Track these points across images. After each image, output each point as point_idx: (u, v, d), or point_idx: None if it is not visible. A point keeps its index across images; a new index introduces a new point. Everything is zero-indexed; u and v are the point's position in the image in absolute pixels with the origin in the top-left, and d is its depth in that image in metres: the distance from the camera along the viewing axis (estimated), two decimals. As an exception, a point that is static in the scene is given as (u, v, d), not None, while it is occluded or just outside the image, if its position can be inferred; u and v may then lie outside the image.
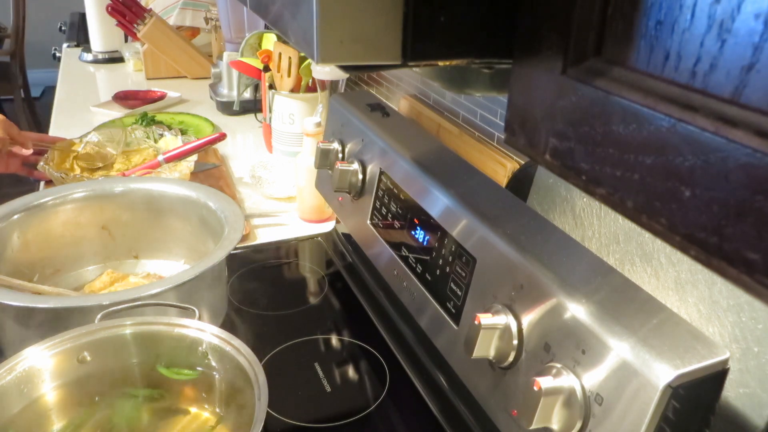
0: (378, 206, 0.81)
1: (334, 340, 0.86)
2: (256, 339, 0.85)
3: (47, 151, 1.15)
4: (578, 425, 0.47)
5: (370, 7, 0.36)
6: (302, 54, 1.13)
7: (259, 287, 0.98)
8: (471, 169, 0.74)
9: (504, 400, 0.55)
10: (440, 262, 0.67)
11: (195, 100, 1.80)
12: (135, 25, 1.91)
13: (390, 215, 0.78)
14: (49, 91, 3.86)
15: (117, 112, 1.64)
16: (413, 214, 0.73)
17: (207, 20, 1.95)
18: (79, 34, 2.51)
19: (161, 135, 1.30)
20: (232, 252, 0.79)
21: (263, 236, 1.12)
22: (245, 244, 1.08)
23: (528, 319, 0.53)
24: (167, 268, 0.95)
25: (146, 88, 1.84)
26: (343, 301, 0.95)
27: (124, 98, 1.71)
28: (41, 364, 0.61)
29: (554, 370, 0.48)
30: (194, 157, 1.17)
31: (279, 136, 1.35)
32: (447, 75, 0.59)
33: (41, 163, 1.09)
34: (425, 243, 0.70)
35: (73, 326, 0.63)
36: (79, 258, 0.93)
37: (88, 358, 0.63)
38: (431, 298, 0.68)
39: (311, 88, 1.31)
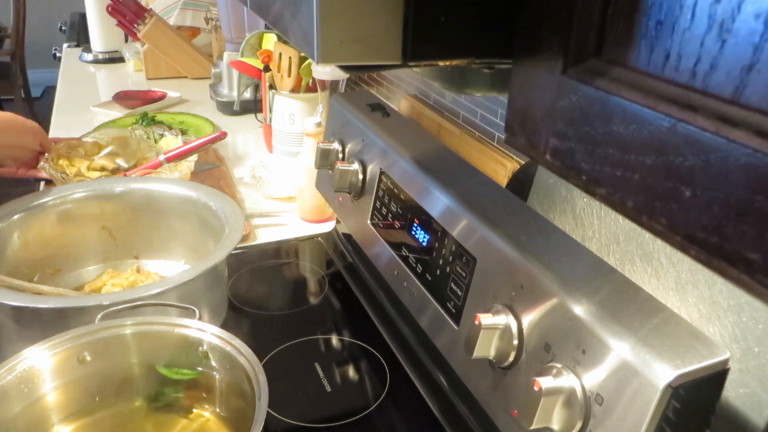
0: (378, 206, 0.81)
1: (335, 340, 0.86)
2: (256, 339, 0.85)
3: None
4: (578, 425, 0.47)
5: (370, 7, 0.36)
6: (302, 54, 1.13)
7: (259, 287, 0.98)
8: (471, 169, 0.74)
9: (504, 400, 0.55)
10: (440, 262, 0.67)
11: (195, 100, 1.80)
12: (135, 25, 1.91)
13: (390, 215, 0.78)
14: (50, 91, 3.86)
15: (117, 112, 1.64)
16: (413, 214, 0.73)
17: (207, 20, 1.95)
18: (79, 34, 2.51)
19: (162, 135, 1.30)
20: (233, 252, 0.79)
21: (263, 236, 1.12)
22: (245, 244, 1.08)
23: (528, 319, 0.53)
24: (167, 268, 0.95)
25: (146, 88, 1.84)
26: (344, 301, 0.95)
27: (124, 98, 1.71)
28: (41, 364, 0.61)
29: (554, 370, 0.48)
30: (194, 157, 1.17)
31: (279, 136, 1.35)
32: (447, 75, 0.59)
33: (41, 163, 1.09)
34: (425, 243, 0.70)
35: (73, 326, 0.63)
36: (79, 258, 0.93)
37: (88, 358, 0.63)
38: (431, 298, 0.68)
39: (311, 88, 1.31)
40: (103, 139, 1.21)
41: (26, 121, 1.04)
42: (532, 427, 0.47)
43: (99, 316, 0.64)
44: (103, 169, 1.14)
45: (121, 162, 1.17)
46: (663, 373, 0.42)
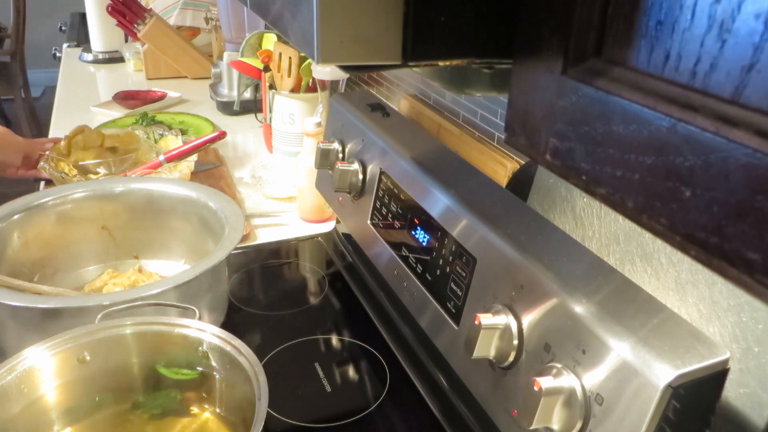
0: (378, 206, 0.81)
1: (335, 340, 0.86)
2: (256, 339, 0.85)
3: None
4: (578, 425, 0.47)
5: (370, 7, 0.36)
6: (302, 54, 1.13)
7: (259, 287, 0.98)
8: (471, 169, 0.74)
9: (504, 400, 0.55)
10: (440, 262, 0.67)
11: (195, 100, 1.80)
12: (135, 25, 1.91)
13: (390, 215, 0.78)
14: (50, 91, 3.86)
15: (117, 112, 1.64)
16: (413, 214, 0.73)
17: (207, 20, 1.95)
18: (79, 34, 2.51)
19: (161, 135, 1.30)
20: (233, 252, 0.79)
21: (263, 236, 1.12)
22: (245, 244, 1.08)
23: (528, 319, 0.53)
24: (167, 268, 0.95)
25: (146, 88, 1.84)
26: (344, 301, 0.95)
27: (124, 98, 1.71)
28: (41, 364, 0.61)
29: (554, 370, 0.48)
30: (194, 157, 1.17)
31: (279, 136, 1.35)
32: (447, 75, 0.59)
33: (41, 163, 1.09)
34: (425, 243, 0.70)
35: (73, 326, 0.63)
36: (79, 258, 0.93)
37: (88, 358, 0.63)
38: (431, 298, 0.68)
39: (311, 88, 1.31)
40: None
41: (14, 140, 1.07)
42: (532, 427, 0.47)
43: (99, 316, 0.64)
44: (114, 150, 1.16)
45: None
46: (663, 373, 0.42)
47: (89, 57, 2.19)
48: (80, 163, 1.13)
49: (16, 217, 0.85)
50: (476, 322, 0.54)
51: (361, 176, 0.85)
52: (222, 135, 1.21)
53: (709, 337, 0.45)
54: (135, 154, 1.19)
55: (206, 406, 0.65)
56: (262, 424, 0.51)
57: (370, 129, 0.86)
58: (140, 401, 0.65)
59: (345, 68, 0.51)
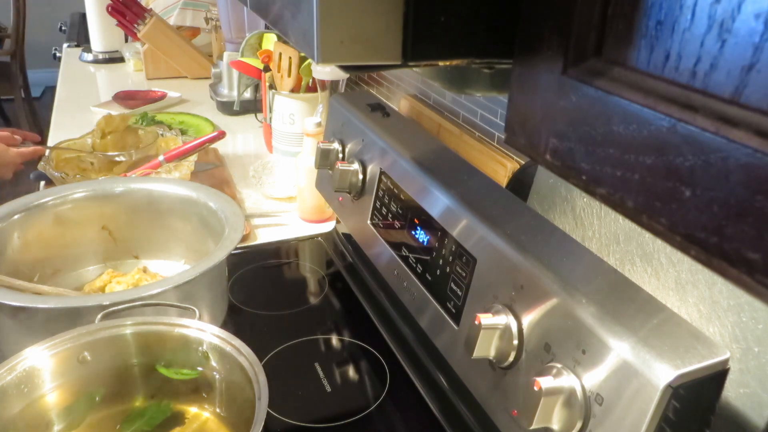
0: (378, 206, 0.81)
1: (335, 340, 0.86)
2: (256, 339, 0.85)
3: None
4: (578, 425, 0.47)
5: (370, 7, 0.36)
6: (302, 54, 1.13)
7: (259, 287, 0.98)
8: (471, 169, 0.74)
9: (504, 400, 0.55)
10: (440, 262, 0.67)
11: (195, 100, 1.80)
12: (135, 25, 1.91)
13: (390, 215, 0.78)
14: (50, 91, 3.86)
15: (117, 112, 1.64)
16: (413, 214, 0.73)
17: (207, 20, 1.95)
18: (79, 34, 2.51)
19: (161, 135, 1.30)
20: (233, 252, 0.79)
21: (263, 236, 1.12)
22: (245, 244, 1.08)
23: (528, 319, 0.53)
24: (167, 268, 0.95)
25: (146, 88, 1.84)
26: (344, 301, 0.95)
27: (124, 98, 1.71)
28: (41, 364, 0.61)
29: (554, 370, 0.48)
30: (194, 157, 1.17)
31: (279, 136, 1.35)
32: (447, 75, 0.59)
33: (41, 163, 1.09)
34: (425, 243, 0.70)
35: (73, 326, 0.63)
36: (79, 258, 0.93)
37: (88, 358, 0.63)
38: (431, 298, 0.68)
39: (311, 88, 1.31)
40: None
41: (4, 158, 1.08)
42: (532, 427, 0.47)
43: (99, 316, 0.64)
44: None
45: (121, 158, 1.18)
46: (663, 373, 0.42)
47: (89, 57, 2.19)
48: (100, 153, 1.15)
49: (16, 217, 0.85)
50: (476, 322, 0.54)
51: (361, 176, 0.85)
52: (221, 135, 1.21)
53: (709, 337, 0.45)
54: (154, 145, 1.20)
55: (206, 406, 0.65)
56: (262, 424, 0.51)
57: (370, 129, 0.86)
58: (140, 401, 0.65)
59: (345, 68, 0.51)
